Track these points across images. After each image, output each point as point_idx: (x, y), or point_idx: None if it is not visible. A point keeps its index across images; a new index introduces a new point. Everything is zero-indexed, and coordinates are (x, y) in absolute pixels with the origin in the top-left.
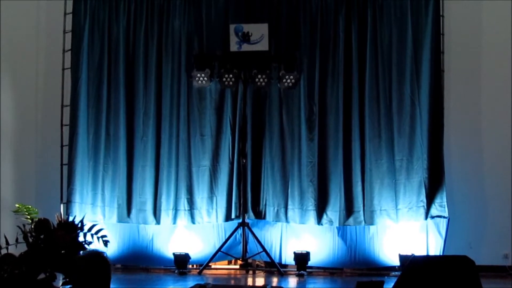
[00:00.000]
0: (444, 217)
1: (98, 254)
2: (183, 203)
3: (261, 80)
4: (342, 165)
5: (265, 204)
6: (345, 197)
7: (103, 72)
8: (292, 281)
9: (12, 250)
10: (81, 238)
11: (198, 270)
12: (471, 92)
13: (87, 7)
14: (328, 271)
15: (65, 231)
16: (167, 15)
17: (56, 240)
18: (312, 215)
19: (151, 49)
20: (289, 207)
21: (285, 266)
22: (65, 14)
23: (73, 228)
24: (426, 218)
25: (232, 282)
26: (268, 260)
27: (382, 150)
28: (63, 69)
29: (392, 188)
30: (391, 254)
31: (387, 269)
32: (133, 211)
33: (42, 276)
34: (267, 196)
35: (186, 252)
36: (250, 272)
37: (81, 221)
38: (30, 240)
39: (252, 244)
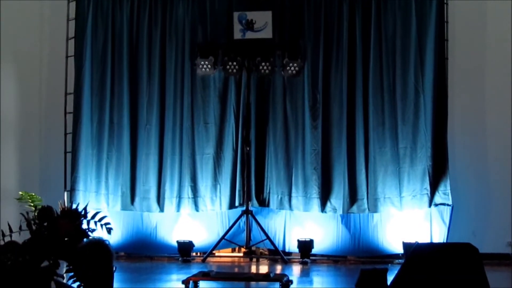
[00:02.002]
0: (448, 205)
1: (100, 242)
2: (187, 191)
3: (265, 68)
4: (346, 153)
5: (269, 192)
6: (349, 185)
7: (106, 60)
8: (296, 269)
9: (15, 237)
10: (84, 226)
11: (202, 258)
12: (475, 80)
13: None
14: (332, 259)
15: (68, 219)
16: (171, 3)
17: (60, 228)
18: (315, 203)
19: (155, 37)
20: (293, 195)
21: (289, 254)
22: (68, 2)
23: (77, 216)
24: (430, 206)
25: (236, 270)
26: (272, 248)
27: (386, 138)
28: (67, 56)
29: (396, 176)
30: (395, 242)
31: (391, 257)
32: (137, 199)
33: (45, 263)
34: (270, 184)
35: (190, 240)
36: (254, 260)
37: (85, 209)
38: (34, 227)
39: (256, 232)
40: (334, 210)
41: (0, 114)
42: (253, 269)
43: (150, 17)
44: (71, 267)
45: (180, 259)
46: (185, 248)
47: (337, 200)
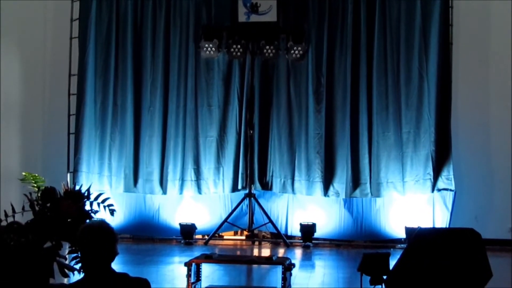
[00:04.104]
0: (450, 190)
1: (103, 224)
2: (190, 174)
3: (269, 51)
4: (349, 137)
5: (272, 175)
6: (352, 169)
7: (111, 42)
8: (298, 252)
9: (18, 218)
10: (87, 207)
11: (204, 241)
12: (479, 65)
13: None
14: (334, 243)
15: (71, 200)
16: None
17: (62, 209)
18: (318, 187)
19: (159, 19)
20: (296, 178)
21: (291, 237)
22: None
23: (80, 197)
24: (432, 191)
25: (238, 253)
26: (274, 231)
27: (390, 123)
28: (71, 38)
29: (399, 160)
30: (398, 226)
31: (393, 242)
32: (140, 181)
33: (48, 244)
34: (274, 167)
35: (193, 222)
36: (256, 243)
37: (88, 190)
38: (37, 208)
39: (259, 215)
40: (337, 194)
41: (3, 95)
42: (256, 252)
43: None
44: (74, 248)
45: (182, 241)
46: (188, 231)
47: (340, 184)
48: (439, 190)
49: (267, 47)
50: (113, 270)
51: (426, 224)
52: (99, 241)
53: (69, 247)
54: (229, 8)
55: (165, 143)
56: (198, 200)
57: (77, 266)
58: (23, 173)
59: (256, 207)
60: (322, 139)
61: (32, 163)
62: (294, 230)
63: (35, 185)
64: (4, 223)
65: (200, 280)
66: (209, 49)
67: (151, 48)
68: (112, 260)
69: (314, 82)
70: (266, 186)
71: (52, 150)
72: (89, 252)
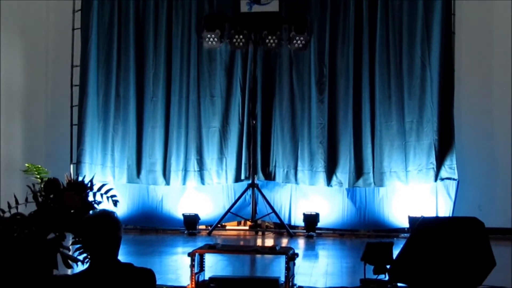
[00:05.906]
0: (453, 179)
1: (107, 214)
2: (193, 164)
3: (272, 41)
4: (352, 127)
5: (275, 166)
6: (355, 159)
7: (113, 33)
8: (302, 242)
9: (22, 209)
10: (90, 198)
11: (207, 231)
12: (481, 54)
13: None
14: (338, 232)
15: (74, 191)
16: None
17: (66, 200)
18: (321, 177)
19: (162, 9)
20: (299, 168)
21: (295, 227)
22: None
23: (83, 188)
24: (435, 180)
25: (242, 243)
26: (278, 221)
27: (392, 112)
28: (73, 29)
29: (402, 150)
30: (401, 216)
31: (397, 231)
32: (143, 172)
33: (52, 235)
34: (276, 157)
35: (196, 213)
36: (260, 233)
37: (91, 181)
38: (40, 199)
39: (262, 205)
40: (340, 184)
41: (6, 86)
42: (259, 242)
43: None
44: (77, 239)
45: (185, 232)
46: (191, 221)
47: (343, 174)
48: (442, 179)
49: (270, 37)
50: (117, 260)
51: (429, 213)
52: (102, 231)
53: (72, 238)
54: None
55: (168, 134)
56: (201, 191)
57: (81, 257)
58: (26, 165)
59: (259, 197)
60: (325, 129)
61: (35, 154)
62: (297, 220)
63: (38, 176)
64: (7, 215)
65: (204, 270)
66: (211, 39)
67: (154, 39)
68: (117, 250)
69: (317, 72)
70: (269, 176)
71: (55, 141)
72: (92, 243)
